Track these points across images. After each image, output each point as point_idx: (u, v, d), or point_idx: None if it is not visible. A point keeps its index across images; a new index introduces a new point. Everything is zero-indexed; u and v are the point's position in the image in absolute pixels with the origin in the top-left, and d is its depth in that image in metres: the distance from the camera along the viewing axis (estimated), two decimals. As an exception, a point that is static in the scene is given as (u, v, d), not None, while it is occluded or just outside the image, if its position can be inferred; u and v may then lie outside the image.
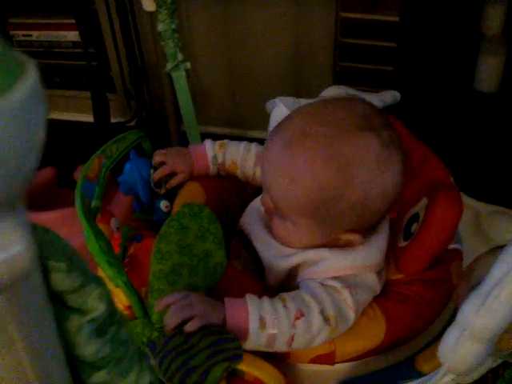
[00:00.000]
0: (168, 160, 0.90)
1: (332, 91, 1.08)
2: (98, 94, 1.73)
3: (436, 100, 1.57)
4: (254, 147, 0.92)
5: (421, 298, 0.75)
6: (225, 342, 0.63)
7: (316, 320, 0.68)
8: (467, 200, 0.96)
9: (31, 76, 0.21)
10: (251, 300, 0.67)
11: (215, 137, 1.20)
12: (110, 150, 0.83)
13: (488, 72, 1.60)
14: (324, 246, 0.75)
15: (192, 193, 0.88)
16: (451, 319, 0.76)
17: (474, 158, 1.48)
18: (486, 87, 1.61)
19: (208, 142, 0.93)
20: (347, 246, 0.75)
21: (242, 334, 0.66)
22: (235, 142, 0.93)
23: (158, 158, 0.91)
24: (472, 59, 1.62)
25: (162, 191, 0.91)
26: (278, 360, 0.70)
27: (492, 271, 0.45)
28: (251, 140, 0.97)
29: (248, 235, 0.81)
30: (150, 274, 0.68)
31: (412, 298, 0.75)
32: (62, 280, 0.27)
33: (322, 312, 0.68)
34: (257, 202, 0.85)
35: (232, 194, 0.93)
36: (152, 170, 0.90)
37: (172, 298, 0.66)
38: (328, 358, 0.71)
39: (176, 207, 0.86)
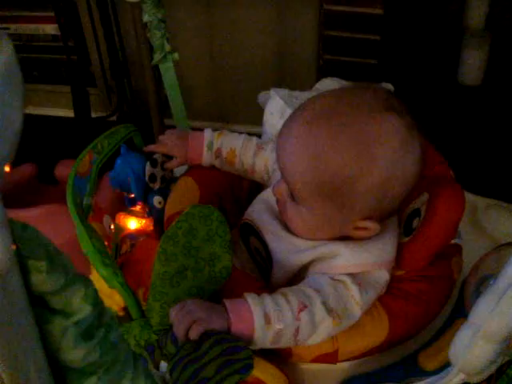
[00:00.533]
0: (168, 141, 0.90)
1: (326, 83, 1.07)
2: (78, 89, 1.70)
3: (420, 93, 1.57)
4: (255, 138, 0.91)
5: (423, 294, 0.74)
6: (235, 350, 0.61)
7: (319, 310, 0.66)
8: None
9: (5, 51, 0.19)
10: (252, 299, 0.66)
11: (198, 130, 1.19)
12: (100, 144, 0.81)
13: (472, 65, 1.61)
14: (339, 237, 0.73)
15: (186, 188, 0.86)
16: (452, 314, 0.76)
17: (459, 151, 1.48)
18: (469, 80, 1.62)
19: (208, 129, 0.92)
20: (362, 237, 0.73)
21: (248, 335, 0.64)
22: (235, 133, 0.92)
23: (160, 137, 0.91)
24: (456, 52, 1.62)
25: (156, 186, 0.88)
26: (280, 360, 0.69)
27: (505, 269, 0.44)
28: None
29: (257, 228, 0.79)
30: (152, 275, 0.66)
31: (414, 294, 0.74)
32: (42, 281, 0.25)
33: (325, 303, 0.67)
34: (265, 195, 0.83)
35: (227, 190, 0.91)
36: (148, 164, 0.88)
37: (172, 314, 0.64)
38: (331, 357, 0.70)
39: (168, 204, 0.84)
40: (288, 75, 1.71)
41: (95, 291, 0.29)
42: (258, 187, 0.93)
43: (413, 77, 1.60)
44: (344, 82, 1.05)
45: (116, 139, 0.86)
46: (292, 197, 0.73)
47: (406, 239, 0.77)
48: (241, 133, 0.93)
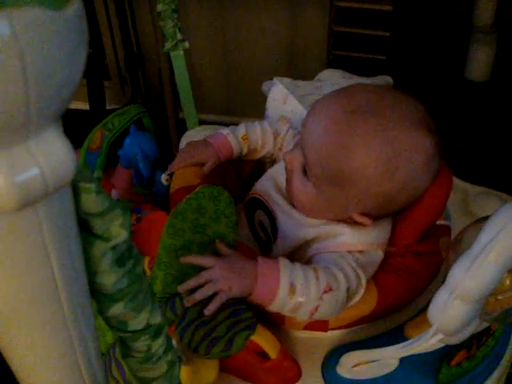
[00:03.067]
0: (192, 152, 0.88)
1: (327, 74, 1.10)
2: (94, 82, 1.73)
3: (428, 89, 1.59)
4: (268, 127, 0.91)
5: (411, 269, 0.77)
6: (239, 313, 0.65)
7: (342, 296, 0.69)
8: (456, 181, 0.99)
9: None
10: (284, 266, 0.67)
11: (208, 124, 1.22)
12: (111, 122, 0.85)
13: (479, 61, 1.63)
14: (335, 220, 0.77)
15: (191, 168, 0.89)
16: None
17: (465, 144, 1.51)
18: (477, 76, 1.64)
19: (230, 136, 0.88)
20: (357, 223, 0.76)
21: (268, 299, 0.66)
22: (254, 129, 0.90)
23: (182, 154, 0.88)
24: (463, 49, 1.65)
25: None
26: (273, 326, 0.71)
27: (479, 237, 0.48)
28: None
29: (266, 201, 0.82)
30: (159, 246, 0.69)
31: (403, 269, 0.77)
32: (91, 201, 0.28)
33: (348, 290, 0.69)
34: (273, 173, 0.86)
35: (228, 168, 0.93)
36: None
37: (205, 275, 0.67)
38: (322, 325, 0.73)
39: (173, 181, 0.86)
40: (298, 70, 1.74)
41: (130, 220, 0.33)
42: (259, 164, 0.96)
43: (421, 73, 1.63)
44: (345, 74, 1.08)
45: (126, 118, 0.89)
46: (304, 171, 0.75)
47: (397, 217, 0.80)
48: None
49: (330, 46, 1.62)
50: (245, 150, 0.89)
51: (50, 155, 0.23)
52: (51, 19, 0.20)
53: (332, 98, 0.74)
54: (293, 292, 0.66)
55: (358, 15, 1.54)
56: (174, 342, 0.57)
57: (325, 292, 0.67)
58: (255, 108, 1.82)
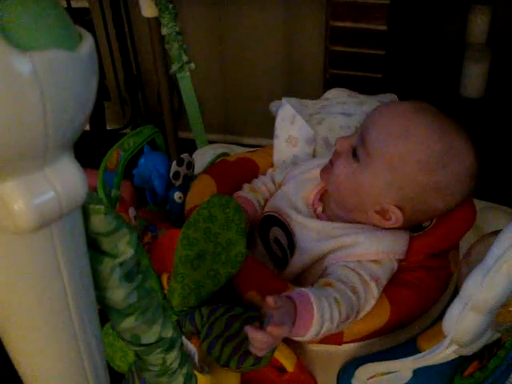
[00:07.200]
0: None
1: (334, 93, 1.13)
2: (94, 102, 1.75)
3: (423, 106, 1.61)
4: (269, 179, 0.96)
5: (422, 283, 0.79)
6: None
7: (354, 318, 0.72)
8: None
9: (89, 39, 0.25)
10: (318, 313, 0.67)
11: (208, 143, 1.24)
12: (127, 143, 0.88)
13: (473, 78, 1.66)
14: (358, 221, 0.80)
15: (204, 184, 0.92)
16: (450, 302, 0.81)
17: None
18: (471, 93, 1.67)
19: (250, 195, 0.93)
20: (379, 224, 0.79)
21: (299, 336, 0.67)
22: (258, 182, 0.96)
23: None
24: (457, 66, 1.67)
25: (178, 183, 0.94)
26: (289, 340, 0.72)
27: (492, 250, 0.49)
28: (243, 146, 0.99)
29: (282, 218, 0.85)
30: (175, 258, 0.71)
31: (414, 283, 0.79)
32: (100, 221, 0.31)
33: (358, 310, 0.72)
34: (284, 190, 0.89)
35: (241, 186, 0.96)
36: (174, 163, 0.93)
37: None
38: (336, 339, 0.74)
39: (189, 199, 0.90)
40: (295, 89, 1.76)
41: (137, 238, 0.35)
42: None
43: (416, 90, 1.65)
44: (351, 93, 1.10)
45: (140, 138, 0.92)
46: (354, 154, 0.79)
47: (414, 235, 0.83)
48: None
49: (327, 64, 1.65)
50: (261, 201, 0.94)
51: (65, 180, 0.25)
52: (67, 58, 0.23)
53: (397, 102, 0.80)
54: (320, 331, 0.68)
55: (353, 35, 1.57)
56: (195, 352, 0.59)
57: (342, 322, 0.70)
58: (253, 128, 1.85)
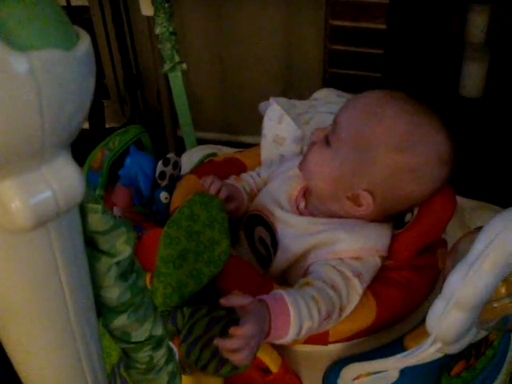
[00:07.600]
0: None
1: (323, 93, 1.13)
2: (94, 101, 1.75)
3: (422, 105, 1.61)
4: (256, 174, 0.96)
5: (409, 282, 0.78)
6: None
7: (337, 316, 0.71)
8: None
9: (87, 39, 0.25)
10: (294, 311, 0.67)
11: (205, 142, 1.24)
12: (112, 142, 0.87)
13: (472, 78, 1.66)
14: (340, 204, 0.80)
15: (190, 184, 0.92)
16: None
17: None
18: (470, 92, 1.67)
19: (237, 184, 0.93)
20: (353, 212, 0.79)
21: (278, 339, 0.67)
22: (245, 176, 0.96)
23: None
24: (456, 66, 1.68)
25: (164, 183, 0.94)
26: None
27: (474, 246, 0.49)
28: (241, 145, 0.99)
29: (266, 216, 0.85)
30: (157, 258, 0.70)
31: (401, 282, 0.78)
32: (97, 220, 0.31)
33: (341, 307, 0.72)
34: (269, 188, 0.89)
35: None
36: (160, 163, 0.93)
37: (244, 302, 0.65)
38: (322, 339, 0.74)
39: (174, 199, 0.89)
40: (294, 88, 1.76)
41: (134, 237, 0.35)
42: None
43: (415, 89, 1.65)
44: (340, 93, 1.10)
45: (126, 138, 0.91)
46: (326, 141, 0.79)
47: (397, 231, 0.82)
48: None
49: (326, 64, 1.65)
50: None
51: (62, 179, 0.25)
52: (64, 58, 0.23)
53: (370, 91, 0.80)
54: (300, 331, 0.67)
55: (352, 34, 1.57)
56: (176, 352, 0.58)
57: (324, 319, 0.69)
58: (252, 126, 1.85)
